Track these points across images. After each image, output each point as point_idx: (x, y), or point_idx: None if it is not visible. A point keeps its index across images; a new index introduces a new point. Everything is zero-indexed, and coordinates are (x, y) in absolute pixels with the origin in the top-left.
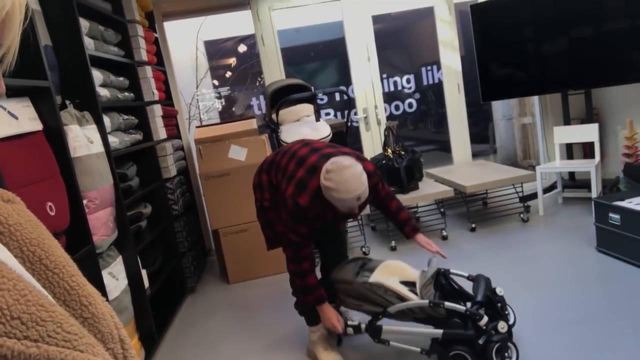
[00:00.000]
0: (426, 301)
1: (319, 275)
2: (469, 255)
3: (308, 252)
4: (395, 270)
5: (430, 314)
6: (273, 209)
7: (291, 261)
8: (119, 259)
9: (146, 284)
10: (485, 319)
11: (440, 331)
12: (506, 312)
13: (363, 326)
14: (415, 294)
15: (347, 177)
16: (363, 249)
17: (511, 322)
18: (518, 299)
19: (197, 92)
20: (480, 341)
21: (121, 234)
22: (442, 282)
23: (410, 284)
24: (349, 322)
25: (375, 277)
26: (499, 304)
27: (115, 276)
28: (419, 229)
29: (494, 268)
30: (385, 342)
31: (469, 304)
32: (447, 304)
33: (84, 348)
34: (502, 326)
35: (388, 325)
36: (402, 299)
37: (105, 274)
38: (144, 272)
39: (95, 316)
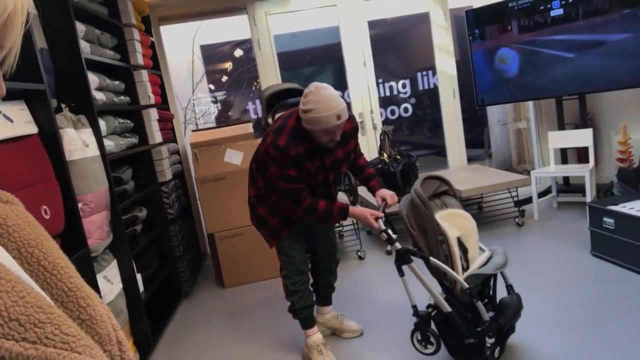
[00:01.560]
0: (466, 285)
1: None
2: None
3: (305, 194)
4: (461, 225)
5: (456, 292)
6: (272, 193)
7: (294, 206)
8: (114, 263)
9: (141, 288)
10: (493, 340)
11: (449, 309)
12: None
13: (398, 245)
14: (463, 264)
15: (326, 95)
16: (359, 253)
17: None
18: None
19: (193, 97)
20: (466, 341)
21: (116, 237)
22: (490, 280)
23: (462, 247)
24: (390, 232)
25: (442, 219)
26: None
27: (110, 280)
28: (383, 184)
29: None
30: (400, 272)
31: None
32: (479, 304)
33: (82, 350)
34: (497, 353)
35: (417, 264)
36: (450, 261)
37: (100, 277)
38: (138, 276)
39: (93, 318)
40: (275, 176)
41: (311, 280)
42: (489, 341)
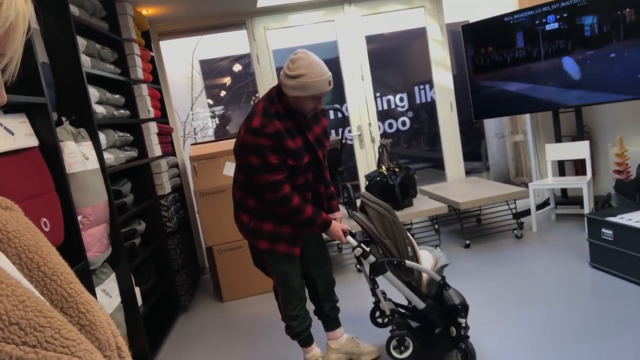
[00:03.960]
0: (438, 277)
1: (309, 304)
2: (463, 272)
3: (288, 189)
4: None
5: (425, 287)
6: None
7: (278, 204)
8: (113, 276)
9: (139, 301)
10: (464, 320)
11: (423, 304)
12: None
13: (372, 258)
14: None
15: (316, 61)
16: (357, 266)
17: None
18: (512, 315)
19: (192, 111)
20: (436, 331)
21: (115, 250)
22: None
23: None
24: (364, 246)
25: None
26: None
27: (109, 293)
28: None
29: (489, 284)
30: (375, 283)
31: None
32: (452, 290)
33: (81, 354)
34: (467, 330)
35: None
36: (416, 260)
37: (98, 291)
38: (137, 290)
39: (92, 323)
40: (256, 169)
41: (313, 308)
42: (463, 321)
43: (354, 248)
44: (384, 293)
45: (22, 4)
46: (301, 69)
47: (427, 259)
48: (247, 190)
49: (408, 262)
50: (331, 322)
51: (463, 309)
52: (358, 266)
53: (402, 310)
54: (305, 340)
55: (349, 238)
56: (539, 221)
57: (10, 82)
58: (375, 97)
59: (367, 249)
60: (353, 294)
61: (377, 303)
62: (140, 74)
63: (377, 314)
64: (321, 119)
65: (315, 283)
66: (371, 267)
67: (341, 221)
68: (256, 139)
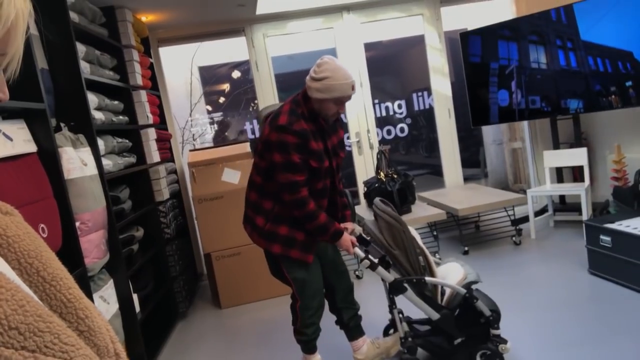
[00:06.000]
0: (463, 290)
1: (328, 315)
2: None
3: (305, 193)
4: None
5: (446, 299)
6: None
7: (294, 207)
8: (110, 283)
9: (137, 308)
10: (500, 330)
11: (437, 315)
12: None
13: (390, 277)
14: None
15: (341, 66)
16: (357, 273)
17: None
18: (512, 322)
19: (190, 117)
20: (456, 342)
21: (113, 257)
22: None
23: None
24: (371, 257)
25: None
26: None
27: (106, 300)
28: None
29: (487, 291)
30: (393, 303)
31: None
32: (480, 302)
33: (80, 359)
34: (503, 348)
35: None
36: (429, 270)
37: (96, 297)
38: (135, 297)
39: (91, 329)
40: (278, 167)
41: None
42: (497, 332)
43: (361, 260)
44: (400, 312)
45: (21, 3)
46: (326, 72)
47: (456, 271)
48: (264, 192)
49: (428, 279)
50: (352, 331)
51: (494, 320)
52: (357, 273)
53: (419, 327)
54: (312, 349)
55: (357, 250)
56: (537, 228)
57: (12, 79)
58: (374, 104)
59: (375, 261)
60: None
61: (393, 320)
62: (139, 81)
63: (392, 330)
64: (339, 130)
65: (334, 290)
66: (390, 286)
67: (352, 232)
68: (282, 136)
